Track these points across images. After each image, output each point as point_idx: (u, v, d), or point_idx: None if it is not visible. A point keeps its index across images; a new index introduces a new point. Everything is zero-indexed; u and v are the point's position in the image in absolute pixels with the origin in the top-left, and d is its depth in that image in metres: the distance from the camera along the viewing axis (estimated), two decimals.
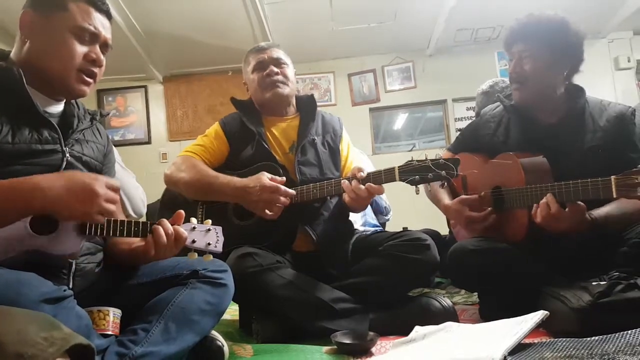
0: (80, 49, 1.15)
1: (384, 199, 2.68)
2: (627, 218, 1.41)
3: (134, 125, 5.14)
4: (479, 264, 1.48)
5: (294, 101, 1.90)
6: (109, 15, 1.23)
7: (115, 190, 1.06)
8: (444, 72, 4.96)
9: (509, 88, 2.22)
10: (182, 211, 1.17)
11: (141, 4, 3.79)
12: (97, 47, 1.19)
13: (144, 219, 2.00)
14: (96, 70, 1.19)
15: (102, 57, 1.20)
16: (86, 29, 1.15)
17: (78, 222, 1.05)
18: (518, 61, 1.60)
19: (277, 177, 1.58)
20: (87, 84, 1.18)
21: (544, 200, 1.36)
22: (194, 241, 1.16)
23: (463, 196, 1.61)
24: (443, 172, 1.41)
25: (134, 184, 1.98)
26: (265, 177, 1.56)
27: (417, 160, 1.45)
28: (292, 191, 1.57)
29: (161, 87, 5.17)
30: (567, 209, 1.34)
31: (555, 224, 1.35)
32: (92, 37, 1.17)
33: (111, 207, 1.03)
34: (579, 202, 1.34)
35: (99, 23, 1.18)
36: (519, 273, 1.47)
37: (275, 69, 1.81)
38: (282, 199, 1.55)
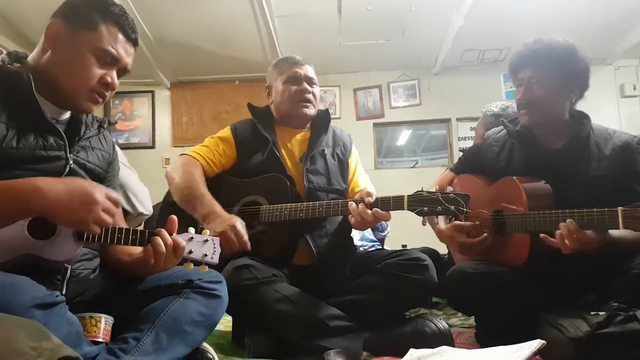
0: (98, 71, 1.15)
1: None
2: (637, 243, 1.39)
3: (138, 129, 5.16)
4: (477, 288, 1.46)
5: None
6: (135, 43, 1.23)
7: (115, 203, 1.04)
8: (450, 91, 4.98)
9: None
10: (174, 216, 1.16)
11: (153, 12, 3.83)
12: (114, 72, 1.19)
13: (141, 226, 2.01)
14: (107, 93, 1.19)
15: (116, 81, 1.19)
16: (109, 52, 1.15)
17: (74, 229, 1.03)
18: (528, 87, 1.58)
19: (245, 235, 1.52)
20: (97, 102, 1.19)
21: (564, 230, 1.31)
22: (190, 252, 1.15)
23: (457, 222, 1.60)
24: (452, 207, 1.39)
25: (139, 182, 1.99)
26: (239, 222, 1.52)
27: (427, 192, 1.44)
28: (248, 246, 1.51)
29: (168, 93, 5.21)
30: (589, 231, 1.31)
31: (583, 247, 1.30)
32: (113, 61, 1.17)
33: (108, 218, 1.01)
34: None
35: (123, 49, 1.18)
36: (517, 298, 1.45)
37: (309, 88, 1.83)
38: (237, 246, 1.49)
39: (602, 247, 1.33)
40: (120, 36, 1.18)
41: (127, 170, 1.91)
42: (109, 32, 1.16)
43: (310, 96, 1.83)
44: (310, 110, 1.84)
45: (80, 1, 1.18)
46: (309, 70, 1.86)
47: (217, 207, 1.59)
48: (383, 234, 2.72)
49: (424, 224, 1.48)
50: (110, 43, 1.16)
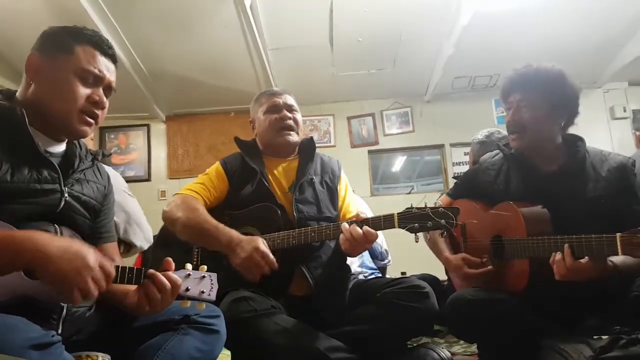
0: (84, 91, 1.16)
1: (379, 244, 2.64)
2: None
3: (134, 162, 5.17)
4: (478, 315, 1.45)
5: (297, 146, 1.92)
6: (114, 59, 1.24)
7: (107, 274, 0.98)
8: (442, 118, 5.05)
9: (505, 139, 2.26)
10: (170, 259, 1.13)
11: (147, 45, 3.90)
12: (101, 90, 1.19)
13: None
14: (98, 112, 1.19)
15: (104, 99, 1.20)
16: (90, 71, 1.17)
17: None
18: (516, 110, 1.62)
19: (270, 254, 1.52)
20: (89, 124, 1.19)
21: (559, 256, 1.32)
22: (187, 289, 1.12)
23: (465, 255, 1.60)
24: (442, 221, 1.40)
25: (142, 212, 2.01)
26: (261, 242, 1.54)
27: (417, 208, 1.45)
28: (275, 265, 1.52)
29: (163, 126, 5.24)
30: (586, 259, 1.29)
31: (576, 276, 1.30)
32: (96, 80, 1.18)
33: (94, 289, 0.94)
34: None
35: (104, 66, 1.20)
36: (518, 324, 1.43)
37: (289, 115, 1.85)
38: (266, 267, 1.51)
39: (604, 275, 1.31)
40: (98, 54, 1.19)
41: (129, 199, 1.93)
42: (86, 52, 1.17)
43: (290, 122, 1.85)
44: (293, 137, 1.85)
45: (52, 31, 1.20)
46: (288, 99, 1.89)
47: (234, 233, 1.58)
48: (383, 262, 2.69)
49: (416, 241, 1.48)
50: (90, 62, 1.17)
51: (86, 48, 1.18)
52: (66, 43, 1.16)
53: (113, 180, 1.44)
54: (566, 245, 1.31)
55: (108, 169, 1.48)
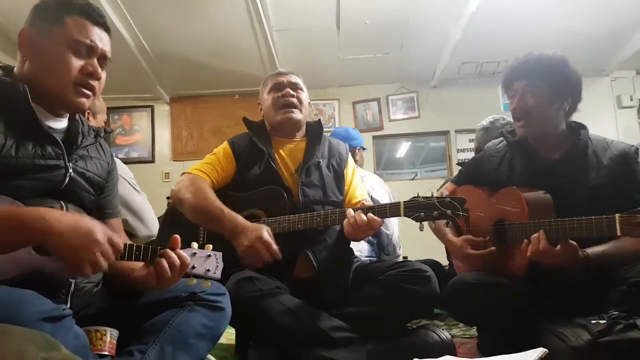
0: (77, 63, 1.14)
1: (388, 234, 2.50)
2: (625, 257, 1.41)
3: (138, 144, 5.19)
4: (479, 298, 1.47)
5: (304, 126, 1.93)
6: (106, 28, 1.21)
7: (115, 248, 1.01)
8: (448, 104, 5.02)
9: (509, 125, 2.27)
10: (177, 236, 1.15)
11: (152, 26, 3.88)
12: (95, 60, 1.17)
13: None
14: (94, 83, 1.18)
15: (99, 70, 1.18)
16: (82, 42, 1.14)
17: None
18: (521, 97, 1.63)
19: (273, 244, 1.54)
20: (86, 96, 1.17)
21: (535, 235, 1.38)
22: (193, 267, 1.14)
23: (468, 236, 1.61)
24: (449, 211, 1.41)
25: (149, 206, 2.03)
26: (265, 231, 1.56)
27: (423, 197, 1.46)
28: (279, 254, 1.54)
29: (167, 108, 5.24)
30: (558, 247, 1.35)
31: (545, 260, 1.37)
32: (89, 51, 1.16)
33: (103, 262, 0.98)
34: (571, 241, 1.35)
35: (96, 36, 1.17)
36: (518, 308, 1.45)
37: (292, 92, 1.86)
38: (268, 256, 1.53)
39: (575, 265, 1.36)
40: (89, 24, 1.16)
41: (135, 194, 1.94)
42: (76, 22, 1.15)
43: (293, 100, 1.85)
44: (295, 114, 1.85)
45: (42, 4, 1.18)
46: (292, 77, 1.90)
47: (240, 219, 1.60)
48: (389, 256, 2.56)
49: (421, 229, 1.49)
50: (81, 32, 1.15)
51: (76, 18, 1.15)
52: (55, 15, 1.14)
53: (119, 171, 1.45)
54: (541, 231, 1.37)
55: (117, 162, 1.50)
